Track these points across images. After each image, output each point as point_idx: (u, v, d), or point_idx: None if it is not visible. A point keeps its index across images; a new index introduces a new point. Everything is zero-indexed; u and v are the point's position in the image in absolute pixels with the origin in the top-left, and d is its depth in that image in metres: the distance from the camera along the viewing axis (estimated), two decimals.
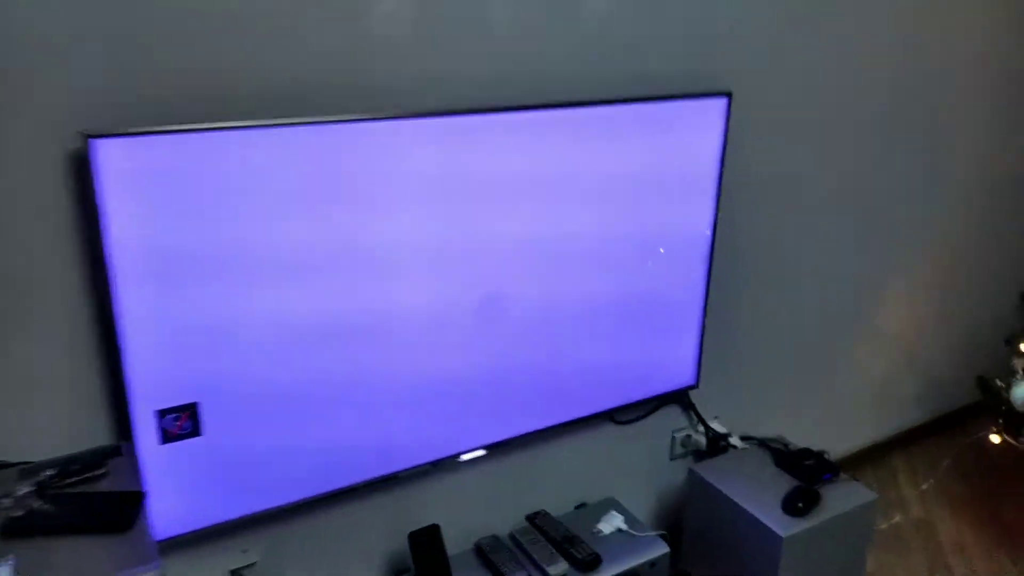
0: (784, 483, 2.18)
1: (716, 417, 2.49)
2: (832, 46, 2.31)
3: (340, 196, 1.57)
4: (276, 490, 1.70)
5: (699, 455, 2.49)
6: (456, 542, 2.05)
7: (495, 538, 2.06)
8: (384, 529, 1.96)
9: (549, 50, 1.81)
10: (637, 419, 2.32)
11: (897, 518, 2.79)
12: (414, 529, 1.89)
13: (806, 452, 2.28)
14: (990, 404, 2.57)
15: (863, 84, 2.43)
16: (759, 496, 2.13)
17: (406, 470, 1.84)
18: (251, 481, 1.66)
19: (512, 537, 2.07)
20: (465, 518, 2.08)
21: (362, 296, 1.65)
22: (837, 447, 2.98)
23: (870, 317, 2.84)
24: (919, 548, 2.67)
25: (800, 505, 2.07)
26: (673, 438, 2.45)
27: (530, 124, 1.74)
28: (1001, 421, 2.53)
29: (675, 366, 2.23)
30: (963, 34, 2.62)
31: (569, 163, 1.82)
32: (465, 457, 1.92)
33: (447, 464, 1.94)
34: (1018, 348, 2.57)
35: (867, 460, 3.08)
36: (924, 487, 2.96)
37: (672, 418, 2.43)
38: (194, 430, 1.57)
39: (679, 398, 2.40)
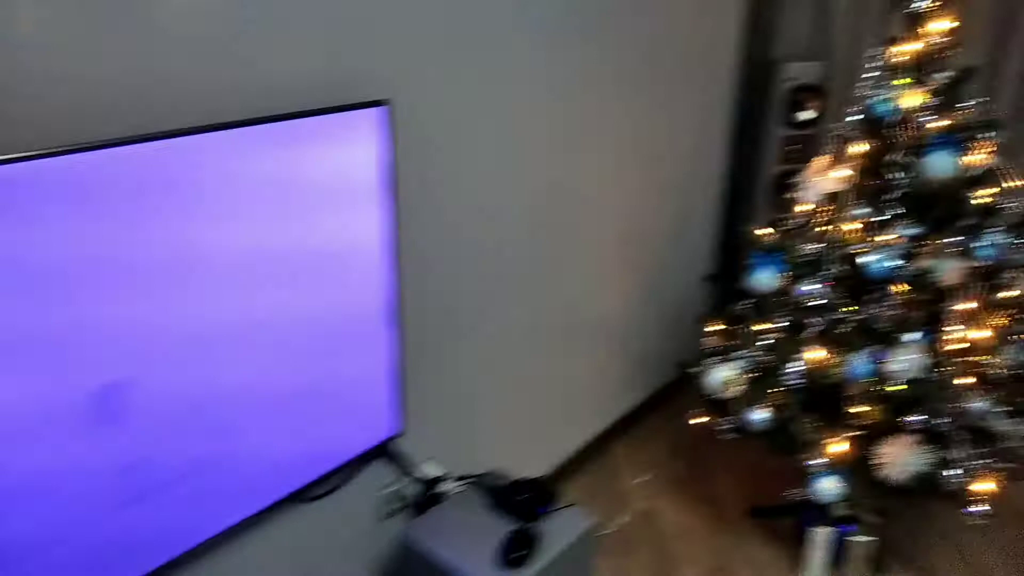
0: (501, 527, 2.00)
1: (431, 459, 2.25)
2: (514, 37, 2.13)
3: None
4: None
5: (417, 508, 2.23)
6: None
7: None
8: None
9: (117, 64, 1.37)
10: (334, 489, 1.99)
11: (623, 518, 2.79)
12: None
13: (520, 484, 2.12)
14: (691, 388, 2.63)
15: (542, 79, 2.29)
16: (474, 552, 1.92)
17: None
18: None
19: None
20: None
21: None
22: (563, 449, 2.92)
23: (575, 314, 2.78)
24: (645, 541, 2.69)
25: (517, 555, 1.90)
26: (380, 498, 2.16)
27: (110, 164, 1.30)
28: (703, 404, 2.61)
29: (371, 417, 1.93)
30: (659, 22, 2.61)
31: (183, 207, 1.41)
32: None
33: None
34: (706, 330, 2.66)
35: (590, 455, 3.07)
36: (644, 478, 3.01)
37: (380, 475, 2.14)
38: None
39: (384, 451, 2.11)
